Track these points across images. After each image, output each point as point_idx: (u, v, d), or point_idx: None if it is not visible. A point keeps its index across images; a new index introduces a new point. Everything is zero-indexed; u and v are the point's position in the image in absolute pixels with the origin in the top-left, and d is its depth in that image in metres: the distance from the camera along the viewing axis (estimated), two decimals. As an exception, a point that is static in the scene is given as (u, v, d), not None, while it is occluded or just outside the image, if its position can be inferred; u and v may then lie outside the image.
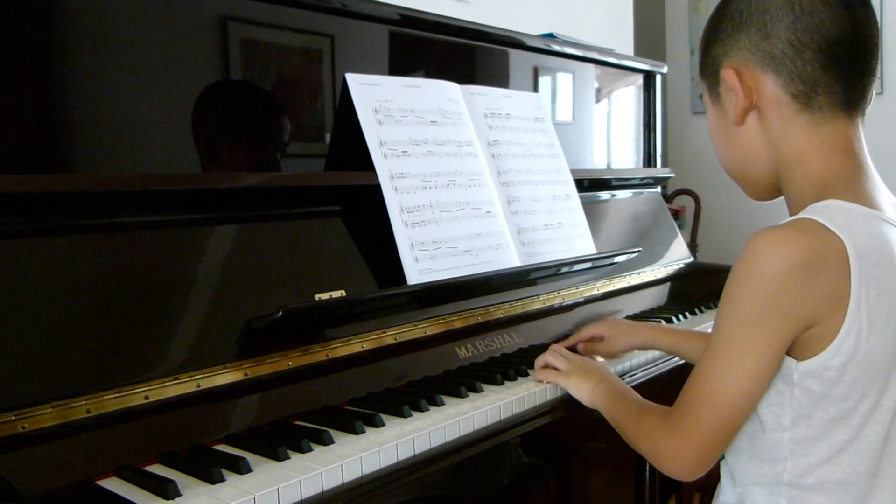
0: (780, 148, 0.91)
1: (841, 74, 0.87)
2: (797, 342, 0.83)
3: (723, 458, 0.99)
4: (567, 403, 1.20)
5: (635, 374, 1.37)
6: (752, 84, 0.90)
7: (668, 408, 0.95)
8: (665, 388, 1.30)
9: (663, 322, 1.63)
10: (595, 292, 1.68)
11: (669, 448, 0.90)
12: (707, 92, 0.99)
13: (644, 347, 1.37)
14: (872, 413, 0.84)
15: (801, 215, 0.84)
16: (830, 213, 0.82)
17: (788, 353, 0.84)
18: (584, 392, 1.14)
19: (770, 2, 0.88)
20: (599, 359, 1.37)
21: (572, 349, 1.33)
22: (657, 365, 1.42)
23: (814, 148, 0.89)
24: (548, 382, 1.20)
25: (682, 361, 1.47)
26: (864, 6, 0.88)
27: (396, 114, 1.34)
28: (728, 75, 0.91)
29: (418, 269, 1.27)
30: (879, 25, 3.75)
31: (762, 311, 0.82)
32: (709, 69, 0.96)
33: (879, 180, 0.91)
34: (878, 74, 3.67)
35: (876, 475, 0.86)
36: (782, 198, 0.97)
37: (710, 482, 1.02)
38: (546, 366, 1.22)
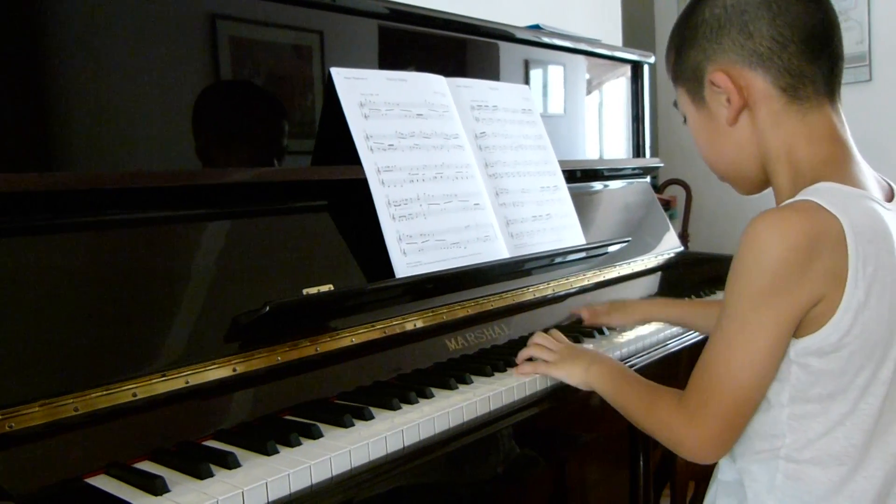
0: (769, 142, 0.93)
1: (821, 63, 0.90)
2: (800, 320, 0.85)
3: None
4: (557, 393, 1.20)
5: (631, 361, 1.37)
6: (743, 83, 0.92)
7: (679, 391, 0.95)
8: (658, 373, 1.31)
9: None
10: (586, 283, 1.68)
11: (691, 435, 0.91)
12: (687, 97, 1.00)
13: (644, 321, 1.48)
14: (868, 387, 0.86)
15: (796, 198, 0.86)
16: (824, 194, 0.84)
17: None
18: (577, 375, 1.14)
19: (746, 3, 0.90)
20: (588, 345, 1.38)
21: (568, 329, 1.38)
22: (652, 351, 1.43)
23: (802, 138, 0.91)
24: (525, 375, 1.20)
25: (677, 348, 1.49)
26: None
27: (382, 107, 1.34)
28: (720, 78, 0.92)
29: (406, 263, 1.27)
30: (867, 12, 3.74)
31: (770, 292, 0.83)
32: (688, 74, 0.98)
33: (863, 162, 0.93)
34: (867, 61, 3.68)
35: (870, 446, 0.88)
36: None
37: (705, 470, 1.03)
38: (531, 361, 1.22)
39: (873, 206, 0.87)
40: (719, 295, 1.82)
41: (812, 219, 0.82)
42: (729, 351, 0.87)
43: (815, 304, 0.84)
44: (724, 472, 1.00)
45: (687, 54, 0.97)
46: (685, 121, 1.03)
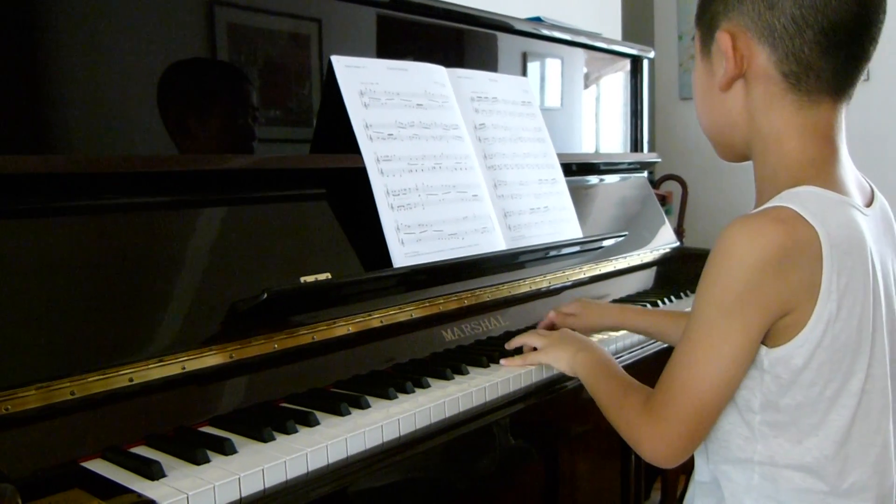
0: (759, 123, 0.90)
1: (837, 60, 0.85)
2: (770, 330, 0.84)
3: None
4: (552, 385, 1.21)
5: (621, 357, 1.38)
6: (746, 52, 0.87)
7: (650, 390, 0.95)
8: (650, 370, 1.31)
9: (648, 306, 1.64)
10: (581, 276, 1.68)
11: (650, 434, 0.91)
12: (699, 42, 0.95)
13: (615, 328, 1.40)
14: (837, 398, 0.85)
15: (776, 202, 0.84)
16: (805, 200, 0.82)
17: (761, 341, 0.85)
18: (564, 360, 1.14)
19: None
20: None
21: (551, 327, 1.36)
22: (643, 348, 1.44)
23: (793, 130, 0.88)
24: (513, 364, 1.20)
25: (664, 345, 1.49)
26: None
27: (382, 96, 1.34)
28: (723, 39, 0.88)
29: (404, 252, 1.27)
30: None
31: (739, 300, 0.82)
32: (705, 21, 0.93)
33: (849, 163, 0.91)
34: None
35: (845, 459, 0.87)
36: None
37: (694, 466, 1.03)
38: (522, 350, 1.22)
39: (852, 215, 0.85)
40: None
41: (789, 230, 0.81)
42: (693, 356, 0.86)
43: (785, 314, 0.83)
44: (700, 473, 0.99)
45: (711, 2, 0.91)
46: None
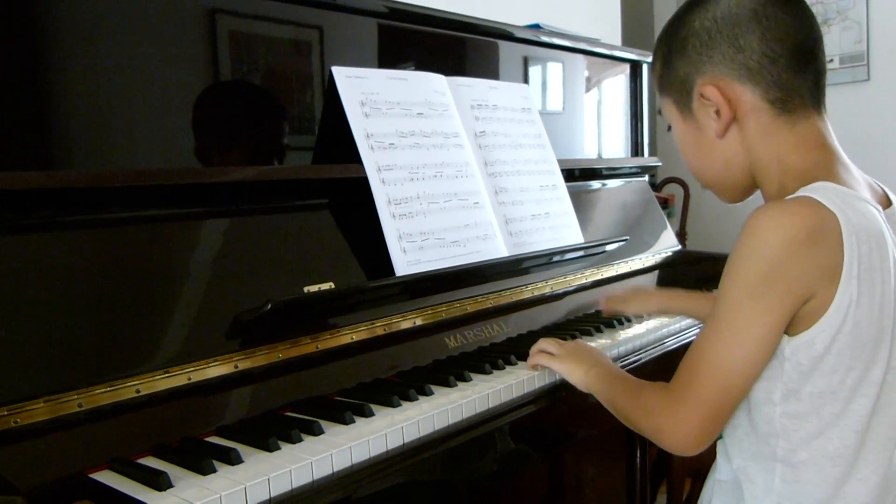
0: (758, 153, 0.94)
1: (808, 75, 0.92)
2: (792, 317, 0.86)
3: (720, 437, 1.00)
4: (555, 391, 1.22)
5: (629, 358, 1.38)
6: (732, 96, 0.93)
7: (665, 383, 0.96)
8: (658, 371, 1.32)
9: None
10: (584, 281, 1.69)
11: (671, 420, 0.91)
12: (674, 108, 1.01)
13: (662, 312, 1.53)
14: (858, 387, 0.87)
15: (796, 194, 0.87)
16: (821, 191, 0.85)
17: None
18: (577, 375, 1.15)
19: (736, 17, 0.91)
20: (591, 343, 1.39)
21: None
22: (647, 351, 1.44)
23: (791, 147, 0.92)
24: (540, 369, 1.21)
25: (674, 346, 1.50)
26: (808, 8, 0.94)
27: (383, 106, 1.35)
28: (711, 92, 0.93)
29: (406, 261, 1.28)
30: (866, 11, 3.71)
31: (766, 282, 0.84)
32: (675, 86, 0.98)
33: (854, 167, 0.94)
34: (865, 61, 3.68)
35: (863, 448, 0.88)
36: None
37: (701, 467, 1.04)
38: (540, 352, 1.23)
39: (868, 207, 0.88)
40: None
41: (812, 213, 0.83)
42: (719, 338, 0.88)
43: (808, 299, 0.84)
44: (721, 472, 1.00)
45: (675, 65, 0.97)
46: (669, 129, 1.04)
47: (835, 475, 0.88)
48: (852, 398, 0.87)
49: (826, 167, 0.91)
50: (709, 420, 0.89)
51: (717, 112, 0.94)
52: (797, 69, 0.91)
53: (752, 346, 0.86)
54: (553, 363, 1.19)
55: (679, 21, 0.97)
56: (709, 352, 0.89)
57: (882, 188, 0.98)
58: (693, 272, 2.01)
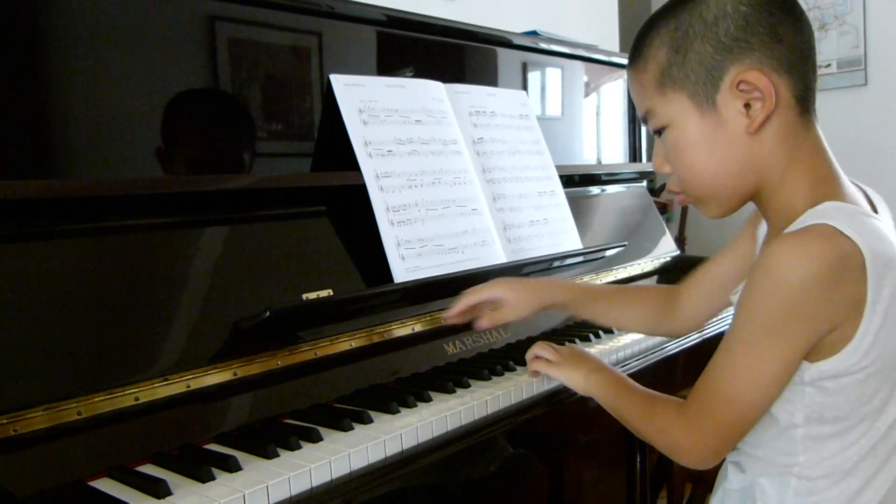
0: (776, 155, 0.89)
1: (815, 77, 0.90)
2: (813, 346, 0.84)
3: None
4: (554, 397, 1.22)
5: (629, 364, 1.39)
6: (775, 87, 0.86)
7: (679, 400, 0.96)
8: (656, 376, 1.32)
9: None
10: (582, 287, 1.69)
11: (687, 442, 0.92)
12: (687, 101, 0.90)
13: (552, 307, 1.27)
14: (885, 407, 0.86)
15: (811, 220, 0.83)
16: (835, 216, 0.82)
17: None
18: (577, 381, 1.14)
19: (770, 4, 0.86)
20: (588, 349, 1.39)
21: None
22: (647, 356, 1.44)
23: (805, 152, 0.89)
24: (535, 375, 1.21)
25: (675, 351, 1.50)
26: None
27: (381, 113, 1.35)
28: (757, 78, 0.85)
29: (405, 268, 1.28)
30: (863, 16, 3.71)
31: (786, 320, 0.82)
32: (695, 76, 0.88)
33: (841, 171, 0.92)
34: (863, 66, 3.69)
35: (882, 461, 0.88)
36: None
37: (701, 473, 1.04)
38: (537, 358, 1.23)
39: (877, 225, 0.85)
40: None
41: (834, 246, 0.80)
42: (735, 371, 0.87)
43: (831, 331, 0.82)
44: (732, 482, 1.00)
45: (696, 52, 0.88)
46: (658, 133, 0.94)
47: (851, 487, 0.88)
48: (878, 417, 0.86)
49: (832, 180, 0.89)
50: (724, 443, 0.90)
51: (747, 105, 0.87)
52: (813, 69, 0.89)
53: (768, 380, 0.85)
54: (551, 370, 1.19)
55: (697, 4, 0.88)
56: (724, 383, 0.88)
57: (866, 192, 0.95)
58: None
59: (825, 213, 0.83)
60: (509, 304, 1.21)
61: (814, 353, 0.84)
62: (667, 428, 0.95)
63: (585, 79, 2.06)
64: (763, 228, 1.02)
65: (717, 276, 1.17)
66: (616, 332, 1.53)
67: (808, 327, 0.82)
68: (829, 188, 0.88)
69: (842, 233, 0.80)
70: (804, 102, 0.88)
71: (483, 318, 1.20)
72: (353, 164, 1.29)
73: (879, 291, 0.81)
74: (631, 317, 1.28)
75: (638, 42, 0.94)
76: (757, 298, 0.84)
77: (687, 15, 0.89)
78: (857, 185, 0.94)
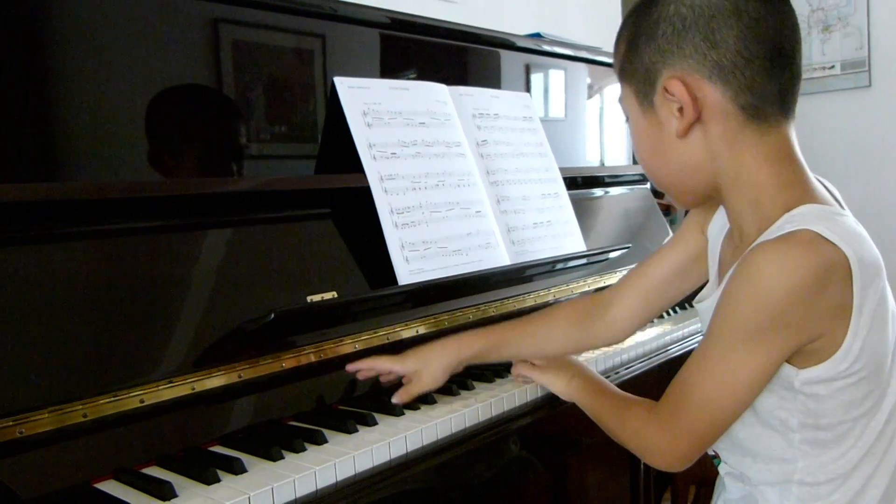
0: (723, 161, 0.88)
1: (782, 80, 0.85)
2: (798, 351, 0.83)
3: (719, 461, 1.00)
4: (557, 399, 1.21)
5: (633, 366, 1.38)
6: (699, 95, 0.85)
7: (651, 401, 0.96)
8: (654, 382, 1.32)
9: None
10: (586, 289, 1.69)
11: (660, 444, 0.91)
12: (633, 97, 0.92)
13: (470, 360, 1.17)
14: (876, 407, 0.86)
15: (789, 226, 0.81)
16: (815, 220, 0.81)
17: (788, 361, 0.84)
18: (559, 386, 1.15)
19: (716, 8, 0.83)
20: (597, 353, 1.39)
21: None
22: (650, 358, 1.45)
23: (761, 159, 0.86)
24: (520, 379, 1.21)
25: (677, 353, 1.50)
26: (792, 9, 0.87)
27: (385, 116, 1.35)
28: (675, 86, 0.85)
29: (409, 270, 1.28)
30: (867, 18, 3.70)
31: (766, 328, 0.81)
32: (638, 74, 0.90)
33: (809, 170, 0.90)
34: (866, 67, 3.67)
35: (878, 461, 0.88)
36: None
37: (706, 475, 1.03)
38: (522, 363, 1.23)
39: (851, 223, 0.84)
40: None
41: (818, 254, 0.78)
42: (710, 376, 0.85)
43: (816, 339, 0.81)
44: (732, 491, 0.99)
45: (641, 50, 0.88)
46: (627, 119, 0.95)
47: (854, 488, 0.87)
48: (872, 418, 0.86)
49: (799, 184, 0.86)
50: (696, 446, 0.90)
51: (681, 110, 0.86)
52: (772, 72, 0.83)
53: (743, 386, 0.84)
54: (534, 374, 1.19)
55: (650, 6, 0.88)
56: (698, 388, 0.87)
57: (827, 187, 0.92)
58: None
59: (804, 218, 0.81)
60: (420, 377, 1.12)
61: (803, 359, 0.83)
62: (640, 430, 0.95)
63: (588, 81, 2.06)
64: (716, 224, 1.01)
65: (656, 276, 1.13)
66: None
67: (789, 336, 0.81)
68: (800, 191, 0.85)
69: (825, 239, 0.78)
70: (753, 110, 0.85)
71: (397, 393, 1.11)
72: (357, 167, 1.29)
73: (865, 297, 0.80)
74: (552, 339, 1.19)
75: (618, 31, 0.95)
76: (737, 306, 0.82)
77: (643, 12, 0.89)
78: (819, 181, 0.92)
